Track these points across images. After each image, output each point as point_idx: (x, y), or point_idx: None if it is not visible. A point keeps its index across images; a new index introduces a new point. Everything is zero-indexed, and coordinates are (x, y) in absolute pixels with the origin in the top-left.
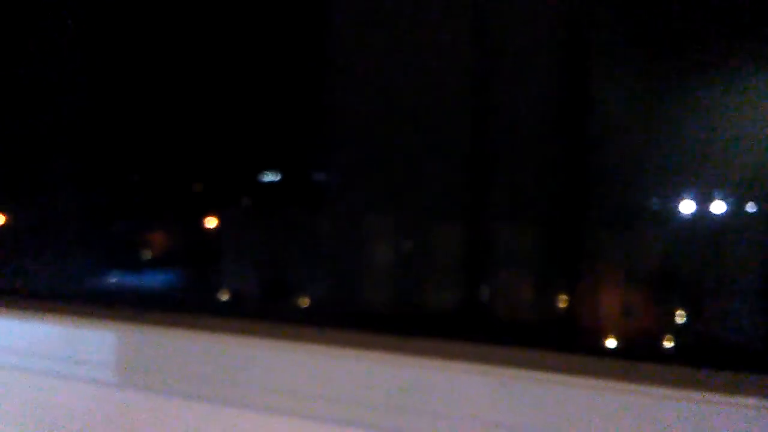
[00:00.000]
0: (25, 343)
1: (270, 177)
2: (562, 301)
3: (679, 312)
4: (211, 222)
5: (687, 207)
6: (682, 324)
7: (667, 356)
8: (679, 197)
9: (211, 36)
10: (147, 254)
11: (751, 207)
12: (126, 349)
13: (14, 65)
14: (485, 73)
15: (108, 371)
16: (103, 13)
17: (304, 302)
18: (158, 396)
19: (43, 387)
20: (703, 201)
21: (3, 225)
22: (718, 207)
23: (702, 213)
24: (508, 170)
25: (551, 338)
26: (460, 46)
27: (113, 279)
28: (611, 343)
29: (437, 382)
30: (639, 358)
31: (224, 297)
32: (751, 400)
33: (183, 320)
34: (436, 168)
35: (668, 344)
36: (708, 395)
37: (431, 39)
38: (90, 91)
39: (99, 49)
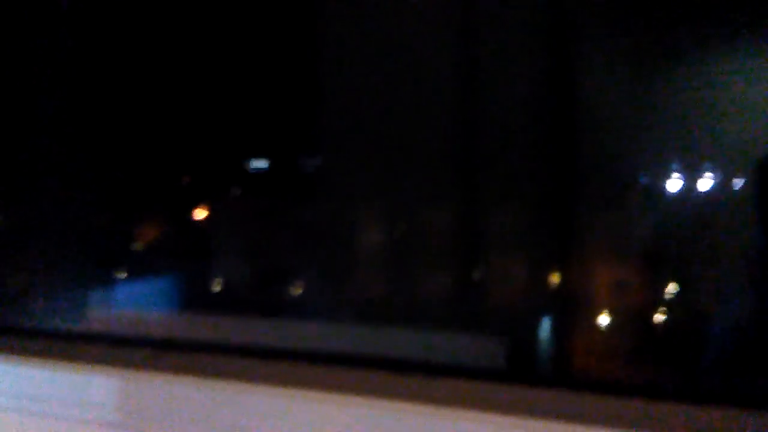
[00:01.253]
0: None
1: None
2: (555, 281)
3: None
4: (199, 214)
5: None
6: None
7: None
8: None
9: (195, 22)
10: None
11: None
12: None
13: None
14: (472, 55)
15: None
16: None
17: (297, 291)
18: None
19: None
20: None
21: None
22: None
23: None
24: (495, 152)
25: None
26: (446, 29)
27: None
28: (605, 319)
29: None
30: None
31: (217, 289)
32: None
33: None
34: (426, 153)
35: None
36: None
37: (419, 23)
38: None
39: (79, 36)
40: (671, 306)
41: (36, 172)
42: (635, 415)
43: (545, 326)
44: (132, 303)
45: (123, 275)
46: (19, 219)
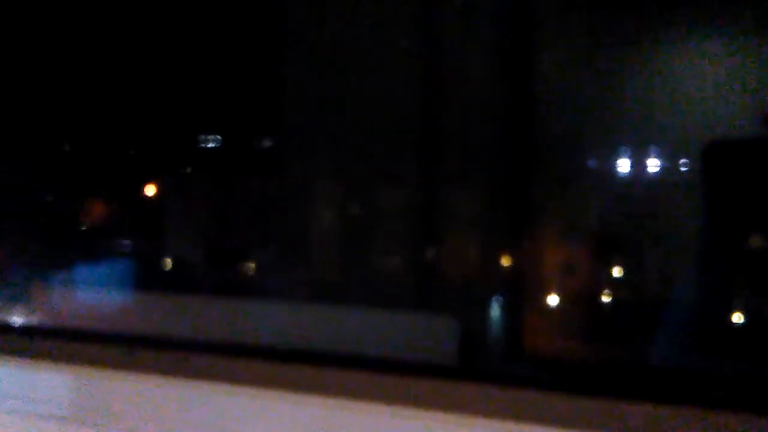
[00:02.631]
0: None
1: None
2: (507, 261)
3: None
4: (150, 191)
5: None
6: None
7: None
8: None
9: None
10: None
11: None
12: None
13: None
14: (429, 34)
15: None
16: None
17: (251, 270)
18: None
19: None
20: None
21: None
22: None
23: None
24: (451, 132)
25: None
26: (404, 5)
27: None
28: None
29: None
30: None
31: (168, 268)
32: None
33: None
34: (381, 132)
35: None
36: None
37: None
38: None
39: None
40: (619, 289)
41: None
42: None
43: (496, 307)
44: (81, 287)
45: (70, 259)
46: None
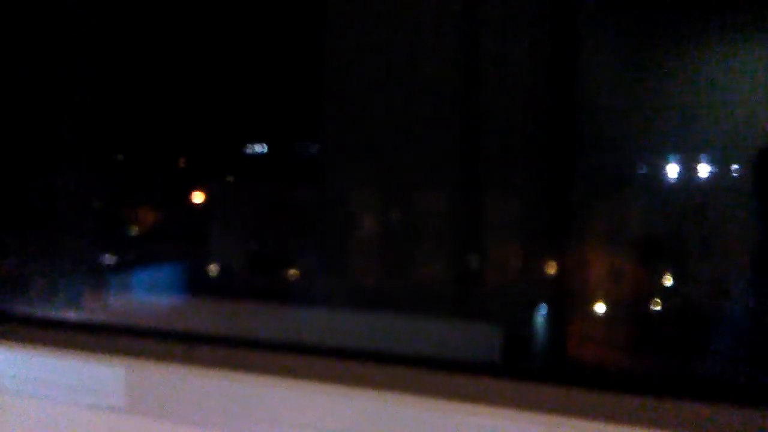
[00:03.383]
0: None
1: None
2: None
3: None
4: (197, 197)
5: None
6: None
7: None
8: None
9: (195, 7)
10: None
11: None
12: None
13: None
14: (471, 42)
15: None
16: None
17: (295, 275)
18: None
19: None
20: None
21: None
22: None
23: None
24: (494, 139)
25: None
26: (445, 14)
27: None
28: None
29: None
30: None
31: (214, 273)
32: None
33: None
34: (425, 139)
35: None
36: None
37: (419, 8)
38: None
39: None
40: (670, 296)
41: (37, 161)
42: (635, 411)
43: (541, 315)
44: (133, 290)
45: (123, 262)
46: (19, 206)
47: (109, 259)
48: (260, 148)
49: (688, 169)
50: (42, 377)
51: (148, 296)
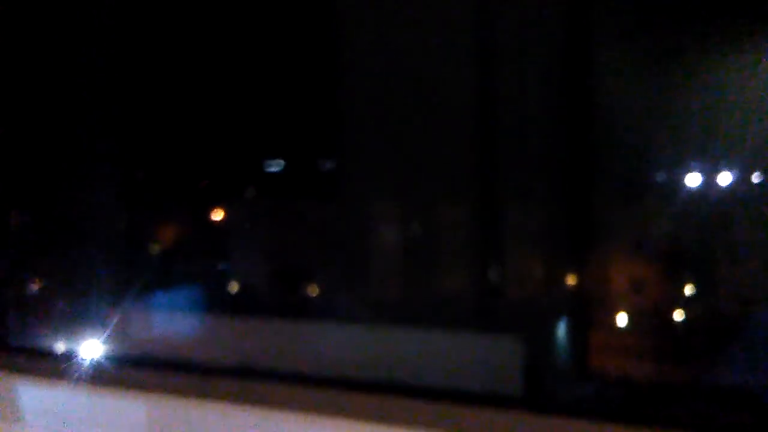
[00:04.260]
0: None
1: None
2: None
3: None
4: (217, 215)
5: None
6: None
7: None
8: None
9: (213, 23)
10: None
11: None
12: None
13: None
14: (489, 55)
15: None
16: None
17: (314, 292)
18: None
19: None
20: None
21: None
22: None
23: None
24: (512, 151)
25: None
26: (463, 29)
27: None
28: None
29: None
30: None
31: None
32: None
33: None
34: (445, 152)
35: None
36: None
37: (435, 23)
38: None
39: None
40: (694, 307)
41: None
42: None
43: (561, 327)
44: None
45: (145, 285)
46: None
47: (125, 283)
48: (277, 166)
49: (711, 177)
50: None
51: (169, 322)
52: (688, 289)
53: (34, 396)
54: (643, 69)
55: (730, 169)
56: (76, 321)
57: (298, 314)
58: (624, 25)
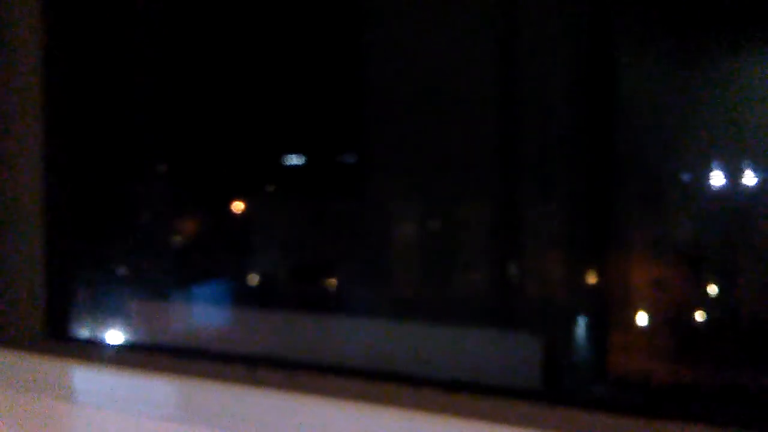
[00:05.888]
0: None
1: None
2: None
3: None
4: (238, 207)
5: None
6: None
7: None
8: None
9: (233, 20)
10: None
11: None
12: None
13: None
14: (510, 51)
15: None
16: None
17: (332, 285)
18: None
19: None
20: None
21: None
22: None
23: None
24: (534, 148)
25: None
26: (484, 25)
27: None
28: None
29: None
30: None
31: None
32: None
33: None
34: (466, 149)
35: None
36: None
37: (457, 19)
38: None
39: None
40: (712, 307)
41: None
42: None
43: (580, 326)
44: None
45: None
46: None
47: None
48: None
49: (734, 177)
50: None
51: (201, 312)
52: (711, 289)
53: (90, 380)
54: (668, 66)
55: (755, 169)
56: (116, 311)
57: (321, 308)
58: (648, 24)
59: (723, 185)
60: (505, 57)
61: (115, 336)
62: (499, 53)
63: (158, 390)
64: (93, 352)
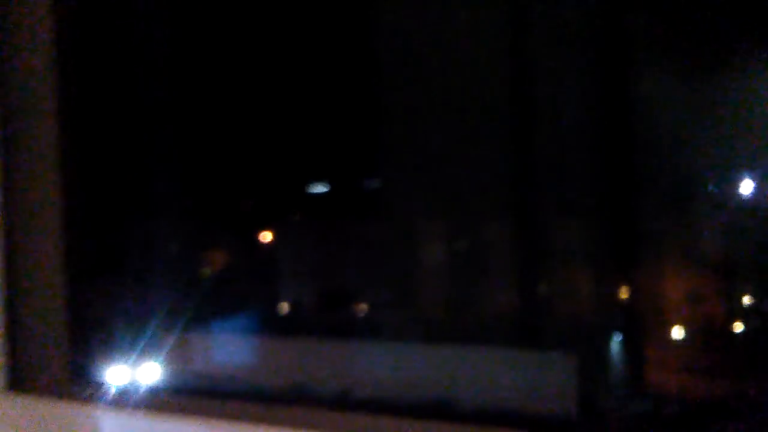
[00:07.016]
0: None
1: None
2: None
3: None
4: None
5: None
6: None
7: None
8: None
9: (251, 47)
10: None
11: None
12: None
13: None
14: (530, 72)
15: None
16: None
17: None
18: None
19: None
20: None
21: None
22: None
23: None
24: (556, 166)
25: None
26: (503, 47)
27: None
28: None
29: None
30: None
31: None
32: None
33: None
34: (489, 168)
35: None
36: None
37: (478, 41)
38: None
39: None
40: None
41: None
42: None
43: (614, 342)
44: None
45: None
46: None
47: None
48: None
49: (762, 185)
50: None
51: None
52: (746, 300)
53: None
54: (691, 75)
55: None
56: (139, 349)
57: (347, 334)
58: (669, 33)
59: (755, 193)
60: (529, 77)
61: (141, 378)
62: (523, 73)
63: None
64: (119, 396)
